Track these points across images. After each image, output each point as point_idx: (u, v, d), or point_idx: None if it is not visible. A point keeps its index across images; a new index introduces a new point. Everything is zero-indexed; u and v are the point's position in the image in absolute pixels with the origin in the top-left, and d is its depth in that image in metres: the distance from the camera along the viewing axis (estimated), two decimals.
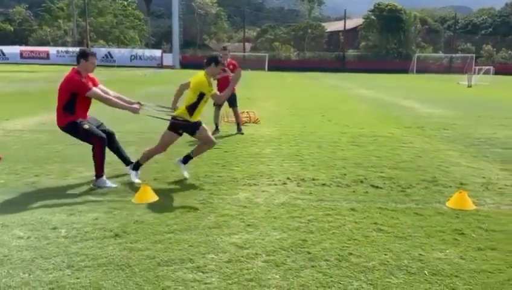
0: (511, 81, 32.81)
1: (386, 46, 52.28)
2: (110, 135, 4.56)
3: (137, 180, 4.44)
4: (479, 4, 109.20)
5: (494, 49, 55.10)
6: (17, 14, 61.50)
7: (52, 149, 5.97)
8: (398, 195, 4.25)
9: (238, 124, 7.80)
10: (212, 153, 5.88)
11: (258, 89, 18.36)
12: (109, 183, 4.30)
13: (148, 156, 4.62)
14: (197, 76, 4.55)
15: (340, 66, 49.77)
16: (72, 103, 4.26)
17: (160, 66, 51.24)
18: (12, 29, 58.93)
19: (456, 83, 26.60)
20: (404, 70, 49.66)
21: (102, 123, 4.63)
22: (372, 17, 52.31)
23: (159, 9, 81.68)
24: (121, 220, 3.39)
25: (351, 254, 2.92)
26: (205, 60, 4.62)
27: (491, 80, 26.32)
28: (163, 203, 3.82)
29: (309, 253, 2.91)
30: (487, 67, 32.27)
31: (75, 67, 4.36)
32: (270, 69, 47.84)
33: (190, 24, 56.46)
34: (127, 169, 4.65)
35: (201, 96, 4.48)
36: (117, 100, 4.48)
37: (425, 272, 2.69)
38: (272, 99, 14.19)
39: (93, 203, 3.81)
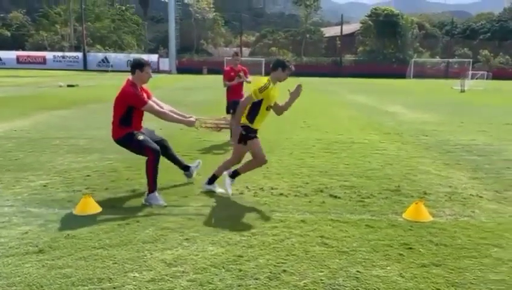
0: (506, 86, 32.71)
1: (383, 51, 52.27)
2: (163, 143, 4.43)
3: (220, 190, 4.38)
4: (478, 9, 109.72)
5: (491, 54, 54.99)
6: (14, 19, 61.66)
7: (12, 157, 5.80)
8: (355, 205, 4.09)
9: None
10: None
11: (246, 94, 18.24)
12: (161, 201, 4.02)
13: (223, 168, 4.44)
14: (259, 82, 4.21)
15: (336, 71, 49.74)
16: (129, 116, 4.10)
17: (157, 71, 51.32)
18: (9, 34, 59.00)
19: (450, 87, 26.48)
20: (402, 75, 49.61)
21: (153, 131, 4.49)
22: (369, 22, 52.34)
23: (159, 14, 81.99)
24: (52, 234, 3.23)
25: (284, 271, 2.75)
26: (271, 64, 4.37)
27: (486, 84, 26.19)
28: (105, 215, 3.65)
29: (240, 270, 2.75)
30: (481, 72, 32.07)
31: (130, 78, 4.15)
32: (268, 73, 47.74)
33: (187, 29, 56.51)
34: (185, 174, 4.64)
35: (258, 102, 4.16)
36: (172, 114, 4.31)
37: None
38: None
39: (32, 214, 3.65)
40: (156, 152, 4.07)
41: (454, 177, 5.19)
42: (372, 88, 26.04)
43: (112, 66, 50.80)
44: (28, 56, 52.32)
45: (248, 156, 4.37)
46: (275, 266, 2.82)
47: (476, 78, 29.42)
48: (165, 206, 3.96)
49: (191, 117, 4.38)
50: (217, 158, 5.85)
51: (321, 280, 2.65)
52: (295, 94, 4.30)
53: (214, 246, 3.10)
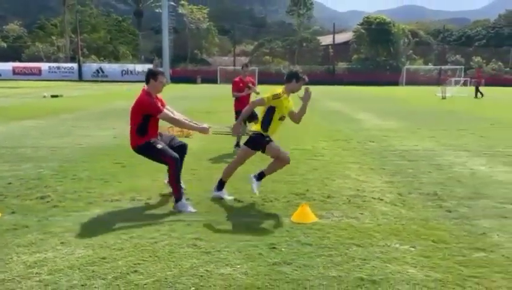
0: (491, 93, 32.80)
1: (376, 59, 52.58)
2: (183, 148, 4.54)
3: (228, 197, 4.49)
4: (481, 16, 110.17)
5: (484, 60, 55.20)
6: (11, 31, 62.48)
7: None
8: (251, 209, 4.23)
9: (237, 142, 7.52)
10: (105, 168, 5.92)
11: (226, 101, 18.42)
12: (190, 208, 4.14)
13: (230, 172, 4.57)
14: (274, 91, 4.36)
15: (330, 79, 50.00)
16: (145, 124, 4.23)
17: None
18: (6, 45, 59.71)
19: (434, 94, 26.63)
20: (395, 82, 49.85)
21: (174, 138, 4.62)
22: (362, 30, 52.76)
23: (158, 24, 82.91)
24: None
25: (135, 271, 2.88)
26: (285, 76, 4.51)
27: (469, 91, 26.30)
28: None
29: (93, 271, 2.87)
30: (464, 78, 32.22)
31: (145, 87, 4.30)
32: (260, 82, 48.13)
33: (181, 39, 57.07)
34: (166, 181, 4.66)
35: (270, 110, 4.35)
36: (186, 121, 4.44)
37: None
38: (231, 112, 14.22)
39: None
40: (175, 160, 4.19)
41: (369, 181, 5.33)
42: (355, 95, 26.24)
43: (107, 76, 51.36)
44: (24, 67, 52.88)
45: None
46: (130, 267, 2.95)
47: (461, 85, 29.51)
48: (195, 212, 4.08)
49: (203, 125, 4.52)
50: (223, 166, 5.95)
51: (165, 278, 2.79)
52: (306, 98, 4.45)
53: (85, 249, 3.23)
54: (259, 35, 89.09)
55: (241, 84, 7.56)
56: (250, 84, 7.55)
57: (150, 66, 54.11)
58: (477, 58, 54.67)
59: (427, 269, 2.96)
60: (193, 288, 2.67)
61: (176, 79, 50.63)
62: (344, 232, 3.61)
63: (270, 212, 4.14)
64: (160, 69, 4.49)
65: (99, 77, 52.03)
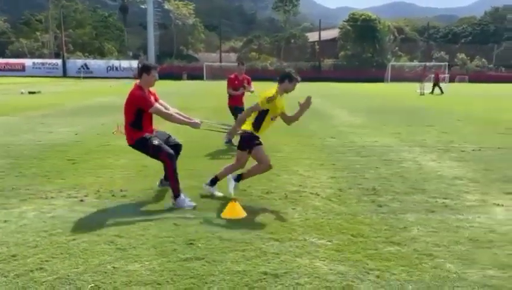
0: (469, 89, 33.25)
1: (362, 56, 52.89)
2: (178, 147, 4.54)
3: (219, 194, 4.49)
4: (468, 13, 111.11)
5: (468, 57, 55.85)
6: None
7: None
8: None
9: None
10: (55, 165, 5.87)
11: (204, 98, 18.40)
12: (188, 203, 4.15)
13: (226, 172, 4.56)
14: (268, 90, 4.35)
15: (316, 75, 50.15)
16: (139, 118, 4.23)
17: (137, 76, 51.24)
18: None
19: (415, 91, 26.88)
20: (381, 79, 50.24)
21: (170, 136, 4.60)
22: (348, 27, 52.97)
23: (145, 20, 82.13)
24: None
25: (41, 268, 2.85)
26: (278, 77, 4.48)
27: (448, 88, 26.63)
28: None
29: (0, 268, 2.86)
30: (445, 75, 32.61)
31: (137, 82, 4.31)
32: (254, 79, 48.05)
33: (168, 35, 56.74)
34: (161, 181, 4.69)
35: (264, 112, 4.34)
36: (178, 116, 4.44)
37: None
38: (207, 108, 14.22)
39: None
40: (170, 157, 4.20)
41: (314, 177, 5.37)
42: (337, 92, 26.38)
43: (92, 72, 50.82)
44: (7, 63, 52.12)
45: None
46: (37, 264, 2.93)
47: (446, 82, 29.82)
48: (195, 206, 4.11)
49: (195, 119, 4.51)
50: (219, 162, 5.90)
51: (68, 276, 2.78)
52: (305, 106, 4.43)
53: (3, 246, 3.22)
54: (250, 31, 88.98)
55: (236, 82, 7.56)
56: (246, 84, 7.56)
57: (136, 62, 53.91)
58: (461, 55, 55.22)
59: (335, 262, 3.00)
60: (92, 285, 2.67)
61: (162, 75, 49.99)
62: (268, 227, 3.63)
63: (203, 208, 4.15)
64: (154, 64, 4.51)
65: (84, 73, 51.49)
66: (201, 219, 3.83)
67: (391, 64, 49.86)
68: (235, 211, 3.91)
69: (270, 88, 4.40)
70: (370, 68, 52.25)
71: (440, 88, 24.36)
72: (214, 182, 4.56)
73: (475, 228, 3.68)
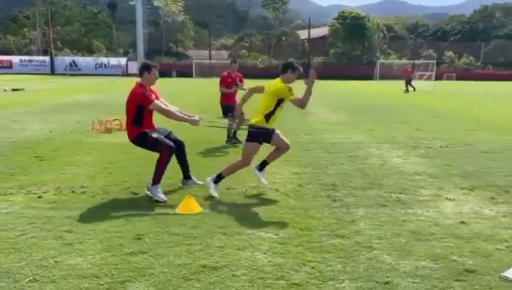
0: (455, 87, 33.60)
1: (351, 53, 53.15)
2: (180, 144, 4.60)
3: (215, 194, 4.40)
4: (460, 11, 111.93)
5: (456, 55, 56.41)
6: None
7: None
8: (145, 201, 4.27)
9: (228, 136, 7.55)
10: (21, 161, 5.87)
11: (186, 96, 18.38)
12: (160, 195, 4.24)
13: (232, 170, 4.56)
14: (275, 83, 4.45)
15: (305, 73, 50.15)
16: (140, 115, 4.33)
17: (126, 74, 51.00)
18: None
19: (400, 88, 27.12)
20: (370, 76, 50.54)
21: (171, 132, 4.66)
22: (337, 24, 53.19)
23: (134, 17, 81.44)
24: None
25: None
26: (281, 67, 4.51)
27: (433, 85, 26.93)
28: None
29: None
30: (429, 73, 32.97)
31: (139, 80, 4.41)
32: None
33: (157, 32, 56.42)
34: (182, 181, 4.77)
35: (279, 102, 4.43)
36: (177, 113, 4.49)
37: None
38: (187, 107, 14.21)
39: None
40: (170, 148, 4.30)
41: (278, 173, 5.44)
42: (323, 90, 26.47)
43: (80, 69, 50.41)
44: None
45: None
46: None
47: (425, 79, 30.16)
48: (165, 201, 4.17)
49: (194, 116, 4.57)
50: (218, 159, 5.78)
51: (9, 270, 2.80)
52: (310, 79, 4.37)
53: None
54: (242, 29, 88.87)
55: (229, 80, 7.58)
56: (239, 82, 7.59)
57: (124, 59, 53.59)
58: (449, 53, 55.75)
59: (275, 255, 3.07)
60: (31, 278, 2.71)
61: None
62: (219, 222, 3.70)
63: (159, 204, 4.20)
64: (154, 63, 4.63)
65: (72, 70, 51.05)
66: (154, 215, 3.89)
67: (380, 62, 50.18)
68: (190, 206, 3.97)
69: (273, 82, 4.47)
70: (359, 66, 52.54)
71: (408, 85, 24.54)
72: (218, 179, 4.51)
73: (420, 221, 3.79)
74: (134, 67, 51.64)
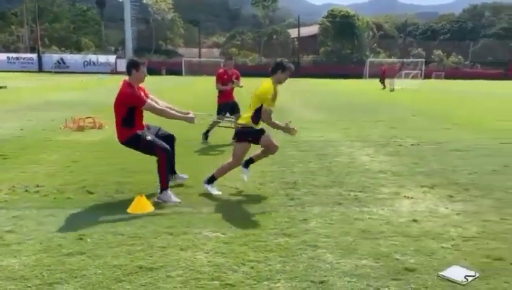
0: (441, 85, 33.82)
1: (341, 52, 53.25)
2: (171, 138, 4.48)
3: (217, 192, 4.39)
4: (451, 10, 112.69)
5: (445, 54, 56.82)
6: None
7: None
8: (98, 200, 4.18)
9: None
10: None
11: (164, 93, 18.21)
12: (174, 198, 4.12)
13: (224, 171, 4.49)
14: (264, 86, 4.32)
15: (295, 72, 50.07)
16: (131, 116, 4.16)
17: (115, 72, 50.58)
18: None
19: (386, 86, 27.24)
20: (359, 75, 50.67)
21: (160, 128, 4.53)
22: (327, 23, 53.22)
23: (119, 14, 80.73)
24: None
25: None
26: (270, 68, 4.36)
27: (420, 84, 27.09)
28: None
29: None
30: (415, 71, 33.20)
31: (126, 79, 4.21)
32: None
33: (147, 30, 56.00)
34: (171, 176, 4.56)
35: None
36: (172, 111, 4.36)
37: None
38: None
39: None
40: (165, 151, 4.17)
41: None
42: (310, 88, 26.53)
43: (68, 67, 49.89)
44: None
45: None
46: None
47: (431, 77, 30.35)
48: (179, 202, 4.06)
49: (189, 113, 4.42)
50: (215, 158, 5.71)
51: None
52: (287, 130, 4.45)
53: None
54: (235, 27, 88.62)
55: (225, 77, 7.49)
56: (235, 79, 7.51)
57: (113, 57, 53.10)
58: (438, 52, 56.13)
59: (217, 255, 3.02)
60: None
61: None
62: (167, 222, 3.63)
63: (112, 203, 4.13)
64: (143, 60, 4.40)
65: (60, 67, 50.44)
66: (104, 214, 3.81)
67: (369, 60, 50.34)
68: (141, 206, 3.90)
69: (264, 83, 4.37)
70: (349, 64, 52.66)
71: (383, 83, 25.22)
72: (211, 180, 4.48)
73: (373, 219, 3.76)
74: (123, 64, 51.26)
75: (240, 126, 4.44)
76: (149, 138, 4.17)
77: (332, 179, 5.05)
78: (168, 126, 4.86)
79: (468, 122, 10.71)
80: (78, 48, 59.05)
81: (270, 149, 4.51)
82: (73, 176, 5.04)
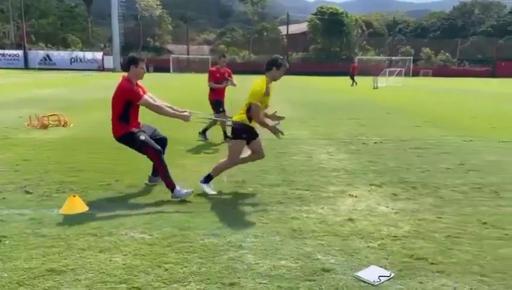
0: (425, 83, 33.97)
1: (330, 49, 53.26)
2: (163, 141, 4.44)
3: (212, 192, 4.32)
4: (441, 7, 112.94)
5: (433, 51, 57.13)
6: None
7: None
8: (27, 200, 4.08)
9: (224, 132, 7.35)
10: None
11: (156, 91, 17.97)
12: (184, 191, 4.14)
13: (220, 169, 4.43)
14: (256, 83, 4.24)
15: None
16: (127, 112, 4.15)
17: (102, 68, 50.11)
18: None
19: (370, 84, 27.30)
20: (348, 72, 50.74)
21: (155, 129, 4.50)
22: (316, 20, 53.18)
23: (125, 12, 79.96)
24: None
25: None
26: (265, 64, 4.28)
27: (403, 81, 27.20)
28: None
29: None
30: (399, 69, 33.36)
31: (125, 75, 4.20)
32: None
33: (135, 26, 55.50)
34: (149, 178, 4.60)
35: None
36: (167, 109, 4.30)
37: None
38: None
39: None
40: (157, 152, 4.14)
41: (196, 170, 5.30)
42: (295, 85, 26.47)
43: (55, 64, 49.32)
44: None
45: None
46: None
47: (421, 75, 30.47)
48: (192, 192, 4.14)
49: (185, 112, 4.38)
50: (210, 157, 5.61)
51: None
52: (274, 131, 4.33)
53: None
54: (227, 24, 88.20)
55: (218, 75, 7.43)
56: (229, 77, 7.44)
57: (100, 53, 52.57)
58: (426, 50, 56.43)
59: (135, 257, 2.93)
60: None
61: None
62: (96, 223, 3.54)
63: (49, 203, 4.03)
64: (142, 56, 4.41)
65: (47, 64, 49.86)
66: (34, 215, 3.71)
67: (358, 58, 50.40)
68: (73, 206, 3.80)
69: (257, 80, 4.29)
70: (338, 62, 52.70)
71: (353, 80, 26.14)
72: (207, 179, 4.40)
73: (309, 219, 3.71)
74: (110, 61, 50.83)
75: (234, 123, 4.37)
76: (142, 137, 4.17)
77: (283, 178, 4.99)
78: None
79: (440, 119, 10.73)
80: (65, 45, 58.37)
81: (257, 155, 4.49)
82: (18, 175, 4.93)
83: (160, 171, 4.17)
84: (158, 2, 55.08)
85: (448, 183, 4.89)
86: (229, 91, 7.68)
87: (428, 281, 2.66)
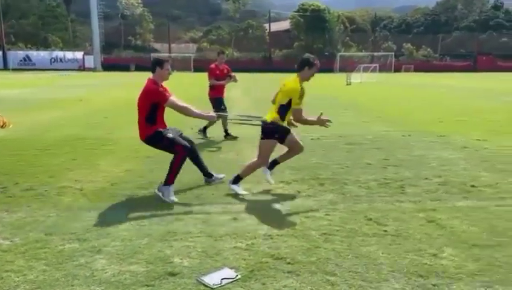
0: (402, 79, 34.08)
1: (313, 46, 53.26)
2: (192, 145, 4.46)
3: (243, 192, 4.27)
4: (429, 3, 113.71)
5: (414, 47, 57.54)
6: None
7: None
8: None
9: (226, 130, 7.43)
10: None
11: (113, 90, 17.86)
12: (171, 197, 4.06)
13: (250, 170, 4.37)
14: (291, 81, 4.21)
15: (267, 66, 50.07)
16: (154, 113, 4.18)
17: (82, 68, 49.54)
18: None
19: (344, 81, 27.32)
20: (331, 69, 50.83)
21: (182, 132, 4.51)
22: (298, 17, 53.16)
23: (107, 11, 79.16)
24: None
25: None
26: (297, 64, 4.21)
27: (378, 77, 27.27)
28: None
29: None
30: (374, 65, 33.53)
31: (151, 76, 4.22)
32: (197, 70, 47.29)
33: (117, 25, 54.93)
34: (205, 179, 4.61)
35: (291, 102, 4.18)
36: (194, 109, 4.28)
37: None
38: (105, 99, 13.75)
39: None
40: (186, 148, 4.18)
41: (107, 170, 5.17)
42: (271, 83, 26.37)
43: (34, 64, 48.60)
44: None
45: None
46: None
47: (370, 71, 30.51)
48: (175, 202, 4.00)
49: (210, 113, 4.47)
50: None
51: None
52: (321, 123, 4.32)
53: None
54: (215, 22, 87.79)
55: (217, 72, 7.41)
56: (229, 74, 7.39)
57: (81, 53, 51.95)
58: (408, 45, 56.78)
59: (39, 261, 2.80)
60: None
61: (109, 66, 48.75)
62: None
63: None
64: (166, 57, 4.34)
65: (26, 65, 49.17)
66: None
67: (340, 54, 50.54)
68: None
69: (289, 79, 4.24)
70: (321, 59, 52.67)
71: None
72: (237, 180, 4.33)
73: (193, 219, 3.58)
74: (90, 61, 50.28)
75: (264, 123, 4.28)
76: (170, 135, 4.19)
77: (192, 178, 4.87)
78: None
79: (392, 115, 10.70)
80: (45, 45, 57.54)
81: (295, 149, 4.43)
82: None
83: (175, 165, 4.11)
84: (139, 1, 54.49)
85: (360, 179, 4.82)
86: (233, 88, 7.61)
87: (272, 282, 2.55)
